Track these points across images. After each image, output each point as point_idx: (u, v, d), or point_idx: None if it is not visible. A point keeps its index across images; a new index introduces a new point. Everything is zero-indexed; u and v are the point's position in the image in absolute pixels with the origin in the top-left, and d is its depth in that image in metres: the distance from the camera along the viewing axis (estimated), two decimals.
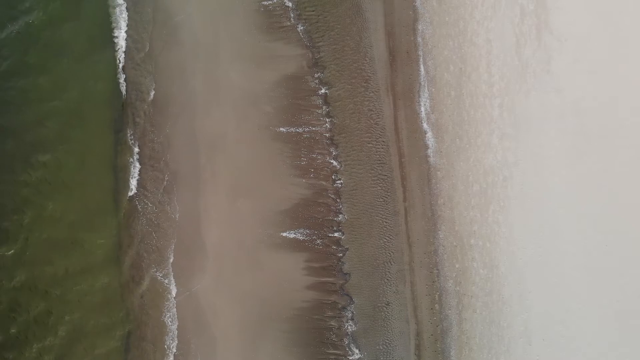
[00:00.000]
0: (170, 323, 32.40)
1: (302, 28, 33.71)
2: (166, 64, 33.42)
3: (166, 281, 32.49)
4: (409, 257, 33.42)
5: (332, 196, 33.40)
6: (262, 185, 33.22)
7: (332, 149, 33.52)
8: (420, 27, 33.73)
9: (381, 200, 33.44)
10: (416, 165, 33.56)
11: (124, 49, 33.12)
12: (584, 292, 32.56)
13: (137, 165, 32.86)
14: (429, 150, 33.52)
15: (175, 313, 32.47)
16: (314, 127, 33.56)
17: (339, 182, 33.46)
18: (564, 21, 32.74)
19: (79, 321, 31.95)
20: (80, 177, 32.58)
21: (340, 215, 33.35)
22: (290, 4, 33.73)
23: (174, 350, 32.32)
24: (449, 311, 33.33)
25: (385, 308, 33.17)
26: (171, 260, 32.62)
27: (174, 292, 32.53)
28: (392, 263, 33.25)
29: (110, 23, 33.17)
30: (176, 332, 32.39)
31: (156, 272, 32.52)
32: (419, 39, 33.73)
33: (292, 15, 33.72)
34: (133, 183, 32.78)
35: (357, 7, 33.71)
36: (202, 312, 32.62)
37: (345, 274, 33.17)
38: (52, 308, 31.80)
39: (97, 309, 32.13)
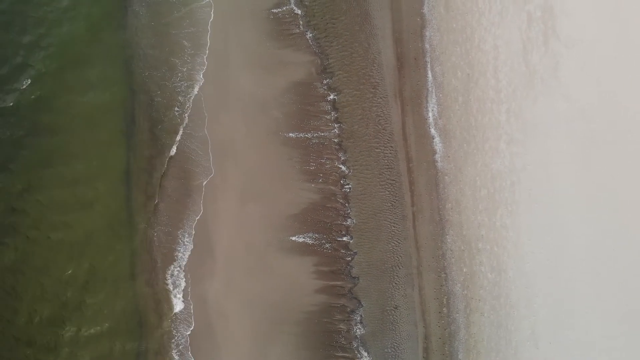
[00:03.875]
0: (179, 326, 32.63)
1: (311, 35, 33.90)
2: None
3: (176, 283, 32.70)
4: (417, 261, 33.59)
5: (341, 201, 33.59)
6: (271, 190, 33.35)
7: (340, 154, 33.72)
8: (427, 33, 33.93)
9: (389, 204, 33.61)
10: (424, 170, 33.74)
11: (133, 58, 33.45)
12: (591, 296, 32.62)
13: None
14: (436, 155, 33.70)
15: (186, 315, 32.55)
16: (323, 132, 33.75)
17: (347, 186, 33.65)
18: (571, 27, 32.79)
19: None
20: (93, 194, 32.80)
21: (348, 220, 33.51)
22: (299, 12, 33.91)
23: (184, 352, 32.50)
24: (457, 315, 33.48)
25: (393, 311, 33.33)
26: (183, 263, 32.73)
27: (185, 292, 32.62)
28: (401, 267, 33.44)
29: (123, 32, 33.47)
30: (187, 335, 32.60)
31: (167, 274, 32.73)
32: (427, 46, 33.93)
33: (301, 22, 33.89)
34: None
35: (365, 15, 33.90)
36: (212, 316, 32.68)
37: (354, 277, 33.35)
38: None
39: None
